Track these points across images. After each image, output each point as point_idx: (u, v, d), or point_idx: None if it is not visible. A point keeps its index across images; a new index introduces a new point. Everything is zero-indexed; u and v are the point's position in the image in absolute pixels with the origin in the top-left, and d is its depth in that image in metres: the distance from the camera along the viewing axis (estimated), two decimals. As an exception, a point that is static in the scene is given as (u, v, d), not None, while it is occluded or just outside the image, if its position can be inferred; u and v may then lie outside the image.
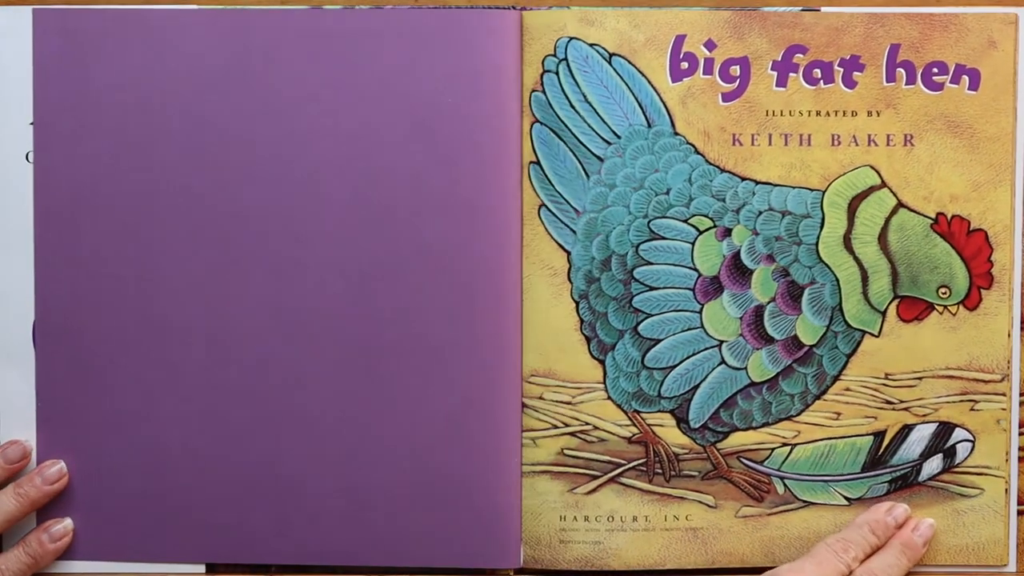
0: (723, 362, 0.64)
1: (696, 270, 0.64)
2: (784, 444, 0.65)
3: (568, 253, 0.64)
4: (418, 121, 0.63)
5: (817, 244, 0.64)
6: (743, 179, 0.64)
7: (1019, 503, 0.65)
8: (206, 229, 0.64)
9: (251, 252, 0.64)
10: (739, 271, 0.64)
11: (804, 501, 0.65)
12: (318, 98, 0.63)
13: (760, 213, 0.64)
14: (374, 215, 0.63)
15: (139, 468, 0.65)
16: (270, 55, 0.63)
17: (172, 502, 0.65)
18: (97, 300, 0.64)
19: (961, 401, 0.65)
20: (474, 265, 0.63)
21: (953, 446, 0.65)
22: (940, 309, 0.64)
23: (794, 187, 0.64)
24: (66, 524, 0.65)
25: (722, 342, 0.64)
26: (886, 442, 0.65)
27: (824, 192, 0.64)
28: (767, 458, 0.65)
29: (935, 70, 0.64)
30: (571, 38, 0.63)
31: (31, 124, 0.64)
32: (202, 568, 0.66)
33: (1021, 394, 0.65)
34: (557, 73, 0.64)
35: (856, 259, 0.64)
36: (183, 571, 0.66)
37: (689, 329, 0.64)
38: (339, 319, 0.64)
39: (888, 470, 0.65)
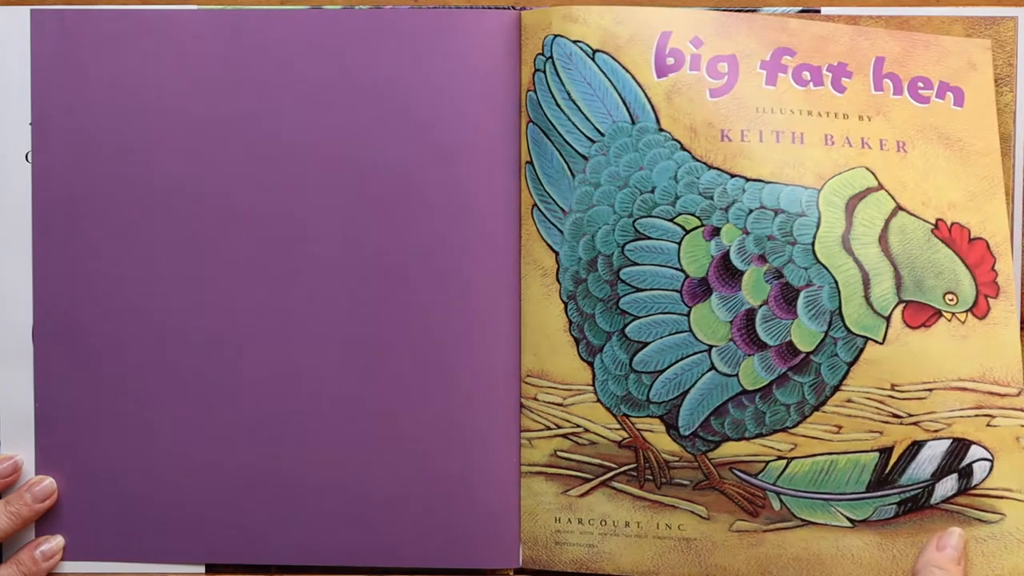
0: (713, 368, 0.62)
1: (683, 271, 0.62)
2: (780, 457, 0.61)
3: (557, 253, 0.63)
4: (417, 121, 0.63)
5: (814, 244, 0.61)
6: (732, 176, 0.61)
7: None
8: (205, 229, 0.64)
9: (249, 252, 0.64)
10: (728, 272, 0.61)
11: (802, 520, 0.62)
12: (317, 98, 0.64)
13: (751, 211, 0.61)
14: (373, 215, 0.63)
15: (139, 468, 0.65)
16: (270, 55, 0.64)
17: (172, 502, 0.65)
18: (96, 300, 0.65)
19: (976, 416, 0.60)
20: (472, 265, 0.63)
21: (969, 465, 0.60)
22: (948, 316, 0.61)
23: (787, 184, 0.61)
24: (57, 542, 0.65)
25: (712, 347, 0.61)
26: (894, 459, 0.61)
27: (820, 190, 0.61)
28: (761, 471, 0.62)
29: (920, 84, 0.62)
30: (556, 35, 0.63)
31: (30, 124, 0.66)
32: (202, 568, 0.66)
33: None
34: (544, 72, 0.63)
35: (856, 260, 0.60)
36: (183, 571, 0.66)
37: (677, 332, 0.62)
38: (338, 320, 0.64)
39: (896, 490, 0.61)
